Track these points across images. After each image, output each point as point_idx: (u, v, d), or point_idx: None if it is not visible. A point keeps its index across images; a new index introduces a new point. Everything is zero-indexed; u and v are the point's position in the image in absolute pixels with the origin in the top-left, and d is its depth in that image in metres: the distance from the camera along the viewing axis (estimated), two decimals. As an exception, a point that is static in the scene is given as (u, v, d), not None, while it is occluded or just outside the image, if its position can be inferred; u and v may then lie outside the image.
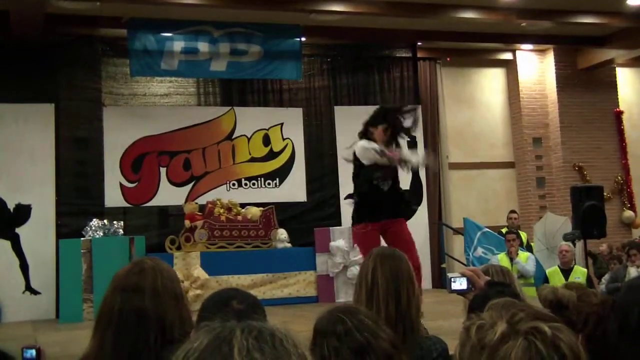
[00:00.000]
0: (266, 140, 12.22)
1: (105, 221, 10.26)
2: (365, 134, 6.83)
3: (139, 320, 2.47)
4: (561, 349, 1.31)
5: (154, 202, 11.53)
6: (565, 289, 3.31)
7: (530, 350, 1.30)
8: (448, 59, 13.89)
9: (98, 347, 2.49)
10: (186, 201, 11.27)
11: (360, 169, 6.79)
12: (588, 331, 2.37)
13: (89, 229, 10.14)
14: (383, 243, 6.63)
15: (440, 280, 11.97)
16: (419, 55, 13.48)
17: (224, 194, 11.45)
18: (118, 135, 11.42)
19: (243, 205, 10.90)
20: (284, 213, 11.58)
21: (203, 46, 11.43)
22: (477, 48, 13.87)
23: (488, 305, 1.45)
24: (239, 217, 10.63)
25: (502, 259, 9.49)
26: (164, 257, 9.95)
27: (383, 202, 6.67)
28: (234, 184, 11.90)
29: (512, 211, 12.07)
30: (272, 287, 10.38)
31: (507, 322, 1.35)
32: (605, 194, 11.81)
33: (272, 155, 12.21)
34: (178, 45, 11.33)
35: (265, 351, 1.14)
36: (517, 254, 9.71)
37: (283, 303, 10.07)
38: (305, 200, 12.27)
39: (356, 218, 6.80)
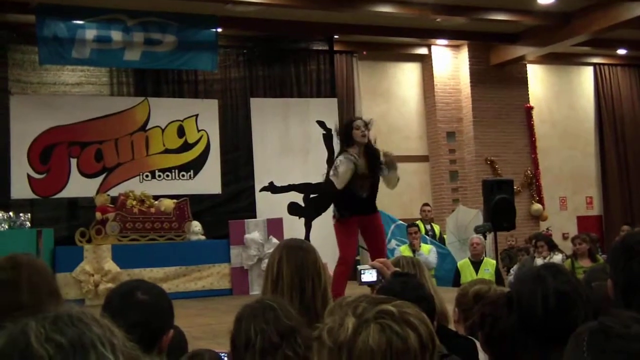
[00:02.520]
0: (181, 132, 12.07)
1: (11, 213, 9.92)
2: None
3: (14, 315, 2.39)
4: (412, 323, 1.36)
5: (64, 194, 11.25)
6: (481, 285, 3.37)
7: (385, 331, 1.34)
8: (364, 53, 14.01)
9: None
10: (97, 193, 11.03)
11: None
12: (486, 332, 2.38)
13: (-7, 221, 9.79)
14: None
15: (354, 273, 12.06)
16: (335, 48, 13.55)
17: (137, 186, 11.26)
18: (26, 125, 11.07)
19: (156, 197, 10.73)
20: (198, 205, 11.48)
21: (116, 35, 11.18)
22: (393, 42, 14.03)
23: (329, 308, 1.47)
24: (152, 209, 10.46)
25: (404, 251, 9.68)
26: (74, 250, 9.78)
27: (360, 204, 6.92)
28: (147, 176, 11.72)
29: (425, 204, 12.28)
30: (186, 280, 10.26)
31: (353, 316, 1.38)
32: (515, 187, 12.14)
33: (186, 146, 12.07)
34: (90, 33, 11.05)
35: (65, 331, 1.16)
36: (420, 246, 9.92)
37: (196, 296, 9.95)
38: (220, 193, 12.18)
39: (335, 212, 7.02)
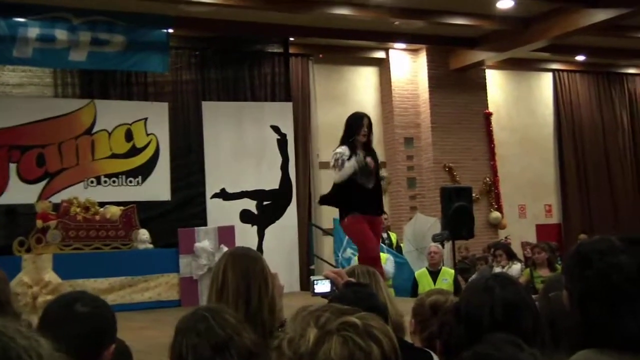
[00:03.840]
0: (129, 136, 11.94)
1: (-56, 221, 9.69)
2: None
3: None
4: (375, 335, 1.35)
5: (2, 201, 11.02)
6: (437, 295, 3.39)
7: (348, 344, 1.33)
8: (321, 56, 14.02)
9: None
10: (39, 199, 10.84)
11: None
12: (443, 341, 2.40)
13: None
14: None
15: (309, 283, 12.03)
16: (291, 51, 13.53)
17: (81, 192, 11.07)
18: (-38, 128, 10.84)
19: (102, 204, 10.60)
20: (146, 212, 11.38)
21: (61, 34, 11.01)
22: (350, 45, 14.06)
23: (291, 317, 1.45)
24: (97, 217, 10.32)
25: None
26: (12, 260, 9.49)
27: (368, 198, 6.87)
28: (92, 182, 11.57)
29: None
30: (132, 291, 10.11)
31: (315, 327, 1.36)
32: (473, 195, 12.23)
33: (134, 151, 11.96)
34: (33, 31, 10.87)
35: None
36: None
37: (143, 308, 9.84)
38: (170, 199, 12.11)
39: (344, 212, 6.94)
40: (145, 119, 12.09)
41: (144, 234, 10.61)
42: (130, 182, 11.86)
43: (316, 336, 1.34)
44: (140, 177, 11.93)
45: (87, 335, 2.26)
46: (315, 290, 3.08)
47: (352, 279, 3.22)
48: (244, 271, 3.01)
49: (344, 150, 6.85)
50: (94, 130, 11.71)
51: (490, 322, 2.17)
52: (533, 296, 2.47)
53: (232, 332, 2.35)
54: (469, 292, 2.37)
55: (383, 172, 7.34)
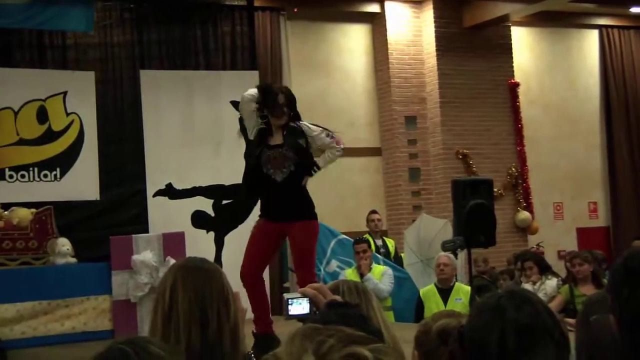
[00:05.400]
0: (42, 115, 11.96)
1: None
2: None
3: None
4: None
5: None
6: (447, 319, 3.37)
7: None
8: (295, 10, 14.01)
9: None
10: None
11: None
12: None
13: None
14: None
15: (282, 303, 12.03)
16: (256, 4, 13.58)
17: (-21, 190, 11.05)
18: None
19: (7, 207, 10.52)
20: (67, 216, 11.45)
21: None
22: (334, -4, 14.09)
23: (287, 338, 1.48)
24: (1, 223, 10.24)
25: (350, 275, 9.72)
26: None
27: (273, 197, 7.18)
28: (-7, 176, 11.60)
29: (373, 211, 12.24)
30: (48, 320, 10.03)
31: (314, 355, 1.39)
32: (495, 190, 12.22)
33: (50, 136, 11.98)
34: None
35: None
36: (370, 269, 9.93)
37: (64, 341, 9.78)
38: (98, 199, 12.13)
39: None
40: (65, 93, 12.09)
41: (63, 244, 10.55)
42: (45, 176, 11.86)
43: None
44: (58, 169, 11.94)
45: None
46: (290, 312, 3.06)
47: (337, 298, 3.17)
48: (199, 289, 3.01)
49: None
50: (-5, 108, 11.72)
51: (498, 351, 2.20)
52: (569, 320, 2.46)
53: None
54: (475, 313, 2.40)
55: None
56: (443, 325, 3.28)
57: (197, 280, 3.03)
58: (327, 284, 3.69)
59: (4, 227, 10.30)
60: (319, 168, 7.26)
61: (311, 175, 7.23)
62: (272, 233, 7.16)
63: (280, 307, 12.14)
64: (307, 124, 7.25)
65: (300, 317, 3.03)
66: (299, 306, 3.03)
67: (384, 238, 11.77)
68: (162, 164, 12.37)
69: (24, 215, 10.44)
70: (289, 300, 3.04)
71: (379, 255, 10.98)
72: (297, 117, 7.25)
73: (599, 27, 16.48)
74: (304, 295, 3.04)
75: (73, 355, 8.68)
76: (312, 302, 3.02)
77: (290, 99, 7.16)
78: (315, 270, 7.24)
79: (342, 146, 7.30)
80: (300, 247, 7.19)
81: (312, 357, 1.38)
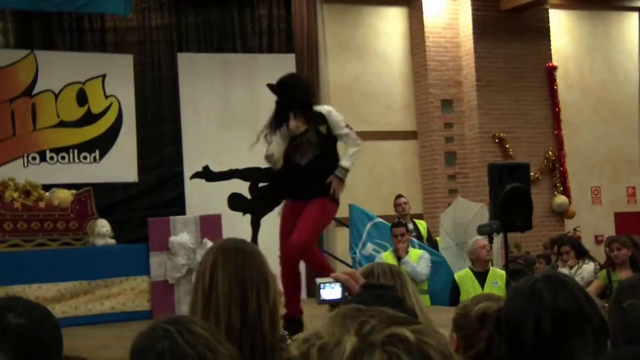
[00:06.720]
0: (82, 98, 12.03)
1: None
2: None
3: None
4: (430, 356, 1.35)
5: None
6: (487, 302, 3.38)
7: None
8: (332, -7, 13.99)
9: None
10: (-37, 181, 10.90)
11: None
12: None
13: None
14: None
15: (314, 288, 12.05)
16: (293, -13, 13.54)
17: (19, 172, 11.16)
18: None
19: (47, 188, 10.61)
20: (106, 198, 11.50)
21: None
22: (371, -22, 14.07)
23: (328, 318, 1.46)
24: (41, 204, 10.33)
25: (386, 258, 9.67)
26: None
27: (296, 178, 7.18)
28: (34, 158, 11.70)
29: (399, 195, 12.13)
30: (88, 300, 10.12)
31: (356, 335, 1.37)
32: (532, 174, 12.21)
33: (89, 118, 12.05)
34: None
35: None
36: (407, 252, 9.95)
37: (103, 321, 9.87)
38: (136, 181, 12.22)
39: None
40: (103, 76, 12.16)
41: (103, 225, 10.62)
42: (85, 158, 11.96)
43: (354, 347, 1.35)
44: (97, 151, 12.03)
45: (21, 353, 2.25)
46: (322, 297, 3.08)
47: (371, 281, 3.21)
48: (239, 269, 3.03)
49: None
50: (35, 90, 11.82)
51: (534, 336, 2.20)
52: (605, 305, 2.46)
53: (204, 349, 2.34)
54: (511, 297, 2.39)
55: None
56: (483, 308, 3.29)
57: (237, 261, 3.07)
58: (362, 267, 3.72)
59: (45, 207, 10.37)
60: (347, 170, 7.20)
61: (341, 179, 7.18)
62: (296, 213, 7.16)
63: (313, 291, 12.18)
64: (328, 109, 7.33)
65: (332, 302, 3.08)
66: (332, 290, 3.06)
67: (415, 220, 11.74)
68: (200, 146, 12.42)
69: (65, 196, 10.51)
70: (321, 284, 3.06)
71: (414, 239, 10.98)
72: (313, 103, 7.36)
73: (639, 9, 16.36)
74: (336, 280, 3.09)
75: (113, 334, 8.63)
76: (344, 287, 3.07)
77: (303, 106, 7.19)
78: (311, 243, 7.14)
79: (360, 141, 7.28)
80: (306, 213, 7.07)
81: (354, 338, 1.37)
